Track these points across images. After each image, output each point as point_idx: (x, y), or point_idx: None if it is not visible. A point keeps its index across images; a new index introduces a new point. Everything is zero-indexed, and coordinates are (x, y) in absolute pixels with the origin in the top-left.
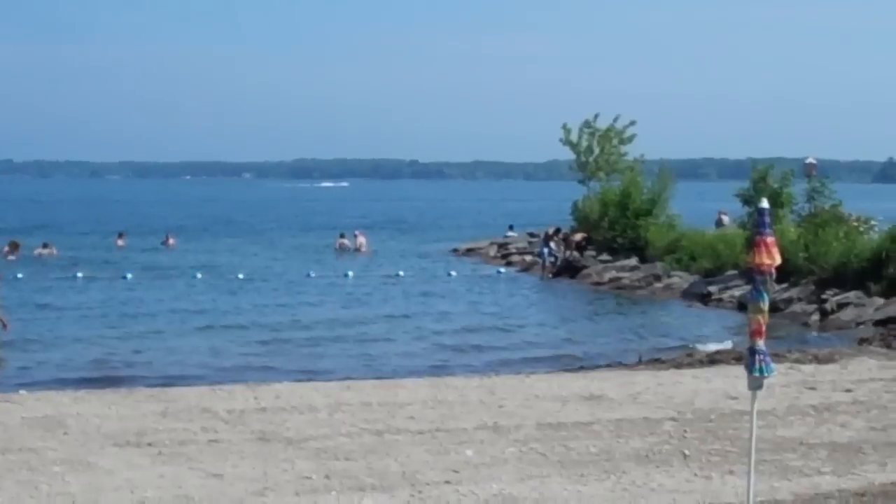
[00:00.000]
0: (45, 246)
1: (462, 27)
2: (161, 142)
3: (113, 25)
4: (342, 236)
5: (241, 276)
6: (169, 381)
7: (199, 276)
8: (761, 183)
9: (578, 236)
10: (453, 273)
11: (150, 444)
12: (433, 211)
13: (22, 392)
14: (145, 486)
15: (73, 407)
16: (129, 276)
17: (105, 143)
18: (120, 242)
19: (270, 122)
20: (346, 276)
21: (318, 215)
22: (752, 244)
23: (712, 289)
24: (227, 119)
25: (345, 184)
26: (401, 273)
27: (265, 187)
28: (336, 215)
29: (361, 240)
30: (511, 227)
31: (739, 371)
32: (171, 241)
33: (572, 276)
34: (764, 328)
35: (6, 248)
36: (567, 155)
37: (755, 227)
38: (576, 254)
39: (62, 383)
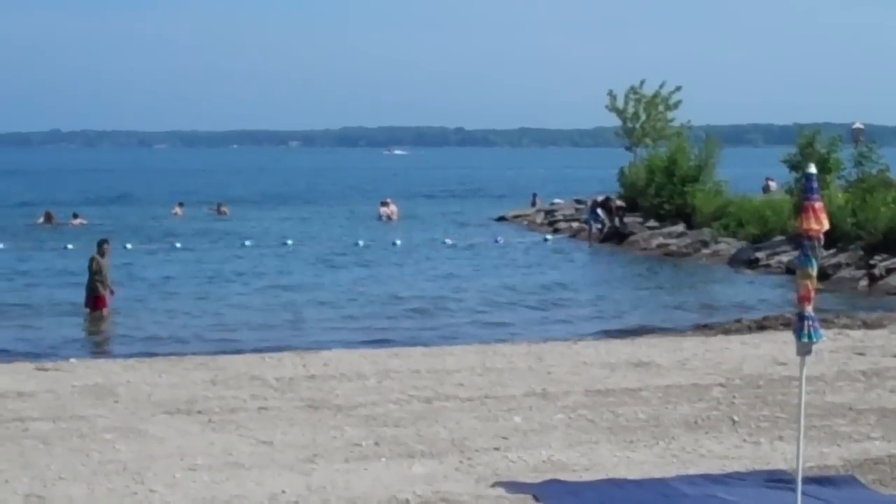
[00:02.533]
0: (75, 216)
1: None
2: (208, 111)
3: None
4: (384, 204)
5: (289, 242)
6: (218, 349)
7: (247, 243)
8: (808, 148)
9: (616, 202)
10: (500, 240)
11: (200, 412)
12: (480, 178)
13: (72, 360)
14: (196, 454)
15: (123, 375)
16: (179, 245)
17: (152, 113)
18: (178, 212)
19: (317, 91)
20: (394, 244)
21: (370, 183)
22: (799, 210)
23: (760, 255)
24: (274, 88)
25: (401, 151)
26: (448, 241)
27: (314, 155)
28: (387, 183)
29: (393, 208)
30: (535, 196)
31: (787, 337)
32: (223, 209)
33: (619, 243)
34: (812, 294)
35: (41, 219)
36: (613, 122)
37: (803, 192)
38: (617, 220)
39: (112, 352)
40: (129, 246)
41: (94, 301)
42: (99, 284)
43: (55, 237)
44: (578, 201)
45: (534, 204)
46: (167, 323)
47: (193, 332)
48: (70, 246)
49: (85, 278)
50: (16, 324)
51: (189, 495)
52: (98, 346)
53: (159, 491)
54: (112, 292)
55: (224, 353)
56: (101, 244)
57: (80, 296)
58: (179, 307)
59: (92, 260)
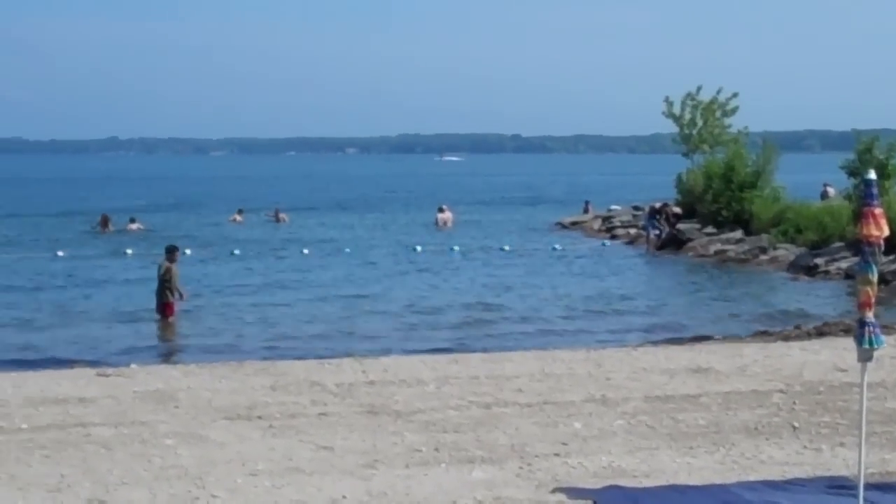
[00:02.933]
0: (132, 221)
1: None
2: (265, 118)
3: (218, 4)
4: (440, 210)
5: (347, 250)
6: (277, 355)
7: (305, 251)
8: (867, 154)
9: (673, 209)
10: (558, 246)
11: (260, 417)
12: (536, 185)
13: (133, 366)
14: (256, 459)
15: (183, 381)
16: (237, 252)
17: (209, 120)
18: (238, 218)
19: (373, 98)
20: (452, 250)
21: (427, 190)
22: (859, 216)
23: (819, 261)
24: (331, 95)
25: (455, 158)
26: (506, 247)
27: (370, 162)
28: (444, 190)
29: (448, 214)
30: (587, 203)
31: (848, 343)
32: (281, 216)
33: (677, 250)
34: (873, 300)
35: (98, 225)
36: (670, 128)
37: (862, 198)
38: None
39: (172, 358)
40: (188, 252)
41: (164, 307)
42: (168, 291)
43: (113, 243)
44: (636, 208)
45: (586, 211)
46: (227, 329)
47: (253, 338)
48: (129, 251)
49: (153, 284)
50: (77, 330)
51: (250, 500)
52: (159, 352)
53: (221, 496)
54: (182, 297)
55: (284, 358)
56: (170, 250)
57: (140, 301)
58: (238, 313)
59: (161, 266)
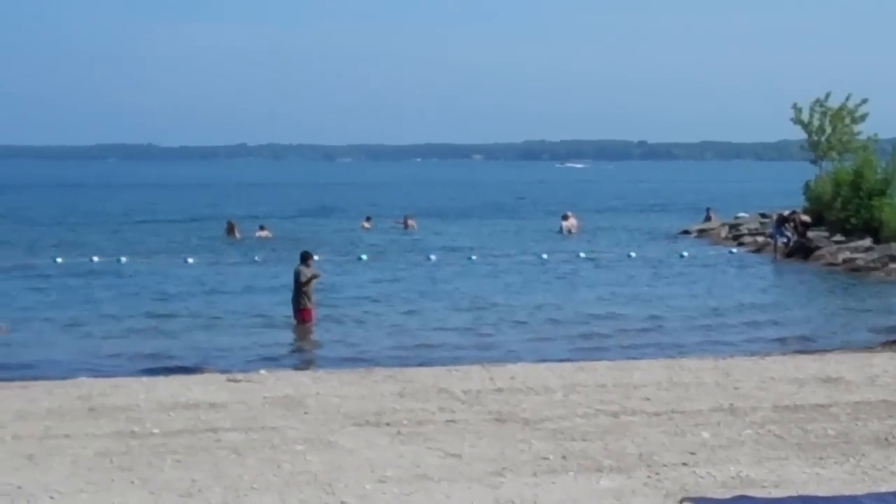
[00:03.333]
0: (261, 228)
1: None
2: (392, 125)
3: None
4: (565, 217)
5: (473, 257)
6: (405, 362)
7: (433, 258)
8: None
9: (801, 217)
10: (685, 254)
11: (388, 424)
12: (662, 192)
13: (262, 372)
14: (385, 466)
15: (312, 387)
16: (364, 257)
17: (337, 127)
18: (366, 225)
19: (499, 104)
20: (579, 256)
21: (551, 196)
22: None
23: None
24: (457, 101)
25: (576, 165)
26: (632, 254)
27: (496, 169)
28: (568, 197)
29: (573, 221)
30: (708, 210)
31: None
32: (410, 222)
33: (805, 258)
34: None
35: (224, 231)
36: (798, 134)
37: None
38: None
39: (302, 363)
40: (316, 258)
41: (301, 313)
42: (304, 297)
43: (242, 249)
44: (763, 215)
45: (708, 219)
46: (354, 335)
47: (380, 344)
48: (257, 258)
49: (283, 290)
50: (207, 336)
51: None
52: (288, 358)
53: (350, 502)
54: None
55: (411, 365)
56: (305, 256)
57: (270, 307)
58: (366, 320)
59: (298, 272)
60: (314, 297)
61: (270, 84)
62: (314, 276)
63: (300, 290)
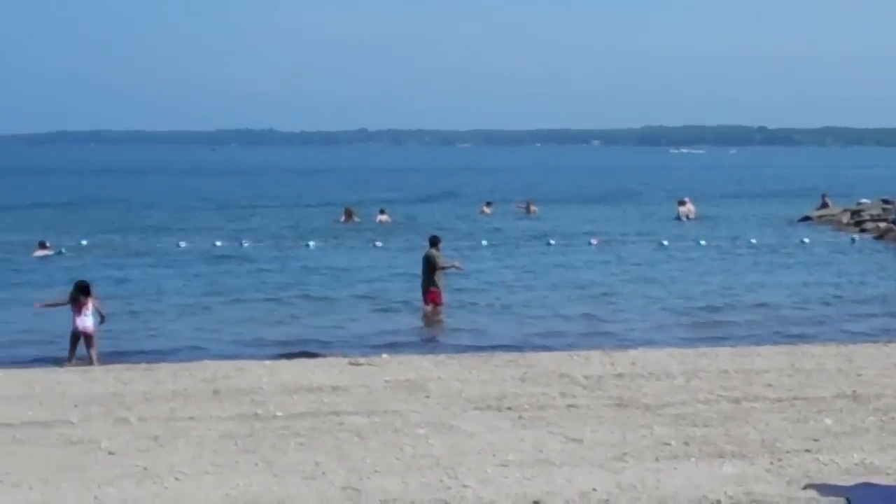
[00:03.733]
0: (381, 213)
1: None
2: (511, 110)
3: None
4: (682, 203)
5: (593, 241)
6: (526, 346)
7: (552, 242)
8: None
9: None
10: (806, 240)
11: (510, 409)
12: (782, 178)
13: (384, 356)
14: (507, 450)
15: (434, 371)
16: (485, 242)
17: (456, 112)
18: (486, 210)
19: (618, 90)
20: (699, 243)
21: (669, 182)
22: None
23: None
24: (575, 87)
25: (691, 150)
26: (753, 241)
27: (614, 154)
28: (685, 182)
29: (690, 207)
30: (824, 196)
31: None
32: (532, 207)
33: None
34: None
35: (342, 217)
36: None
37: None
38: None
39: (423, 347)
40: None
41: (430, 295)
42: (435, 280)
43: (361, 234)
44: (885, 201)
45: (824, 205)
46: (476, 319)
47: (501, 328)
48: (378, 243)
49: (404, 274)
50: (329, 319)
51: (501, 491)
52: (410, 342)
53: (472, 486)
54: (459, 268)
55: (532, 350)
56: (435, 241)
57: (391, 291)
58: (487, 304)
59: (427, 256)
60: (443, 282)
61: (391, 70)
62: (453, 266)
63: (432, 273)
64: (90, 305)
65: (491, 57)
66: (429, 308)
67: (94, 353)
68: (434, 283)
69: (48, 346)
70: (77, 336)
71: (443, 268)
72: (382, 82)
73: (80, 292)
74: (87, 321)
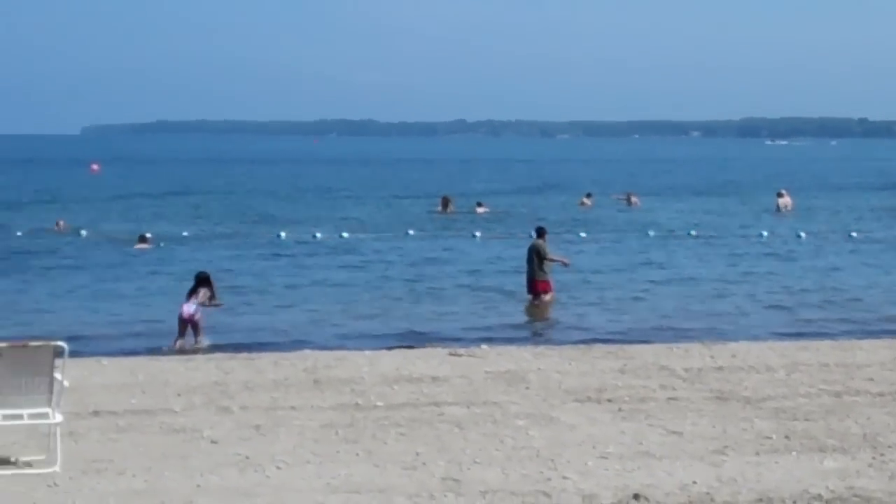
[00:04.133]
0: (479, 205)
1: None
2: (609, 101)
3: None
4: (780, 195)
5: (693, 233)
6: (625, 338)
7: (651, 234)
8: None
9: None
10: None
11: (609, 401)
12: (886, 171)
13: (484, 346)
14: (607, 442)
15: (533, 362)
16: (584, 234)
17: (555, 102)
18: (587, 202)
19: (719, 80)
20: (799, 236)
21: (765, 174)
22: None
23: None
24: (675, 77)
25: (798, 142)
26: (853, 234)
27: (713, 146)
28: (782, 174)
29: (788, 199)
30: None
31: None
32: (633, 199)
33: None
34: None
35: (438, 207)
36: None
37: None
38: None
39: (522, 338)
40: (534, 235)
41: (538, 285)
42: (541, 270)
43: (460, 224)
44: None
45: None
46: (575, 311)
47: (599, 319)
48: (477, 234)
49: (502, 264)
50: (428, 309)
51: (601, 483)
52: (509, 333)
53: (572, 478)
54: (565, 263)
55: (632, 342)
56: (541, 231)
57: (488, 280)
58: (585, 294)
59: (534, 247)
60: (551, 272)
61: (490, 60)
62: (561, 261)
63: (539, 264)
64: (200, 295)
65: (590, 47)
66: (545, 297)
67: (187, 340)
68: (542, 274)
69: (151, 335)
70: (183, 322)
71: (551, 259)
72: (481, 73)
73: (198, 282)
74: (190, 307)
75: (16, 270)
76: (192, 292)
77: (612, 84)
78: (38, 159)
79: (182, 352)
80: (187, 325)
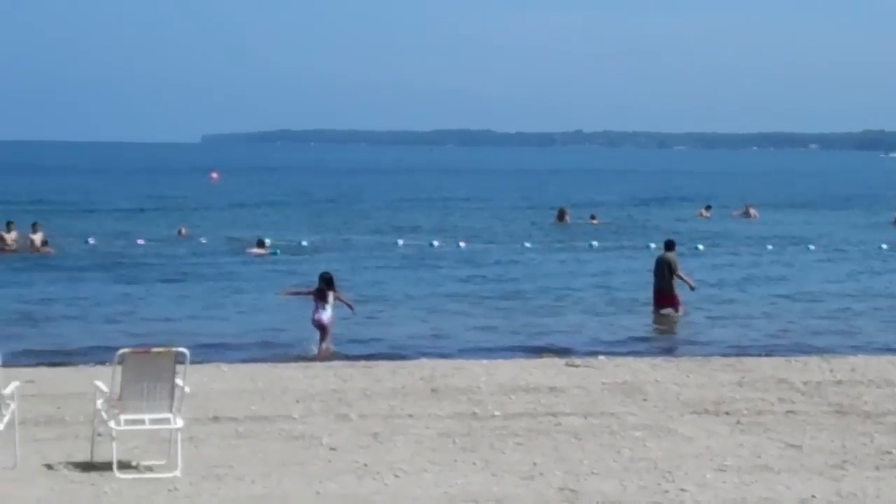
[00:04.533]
0: (592, 217)
1: None
2: (727, 113)
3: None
4: None
5: (811, 247)
6: (743, 351)
7: (769, 247)
8: None
9: None
10: None
11: (727, 413)
12: None
13: (601, 357)
14: (724, 455)
15: (651, 374)
16: (701, 247)
17: (672, 114)
18: (705, 213)
19: (836, 93)
20: None
21: (888, 188)
22: None
23: None
24: (793, 90)
25: None
26: None
27: (831, 159)
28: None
29: None
30: None
31: None
32: (752, 211)
33: None
34: None
35: (555, 218)
36: None
37: None
38: None
39: (640, 350)
40: (652, 246)
41: (668, 299)
42: (670, 285)
43: (575, 235)
44: None
45: None
46: (690, 322)
47: (717, 331)
48: (595, 243)
49: (626, 276)
50: (545, 319)
51: (719, 496)
52: (626, 344)
53: (690, 490)
54: (692, 288)
55: (749, 355)
56: (670, 244)
57: (608, 292)
58: (701, 306)
59: (665, 260)
60: (692, 281)
61: (607, 71)
62: (687, 282)
63: (669, 277)
64: (331, 298)
65: (707, 59)
66: (671, 311)
67: (325, 345)
68: (670, 288)
69: (270, 342)
70: (322, 327)
71: (679, 276)
72: (599, 84)
73: (325, 284)
74: (324, 314)
75: (138, 278)
76: (320, 295)
77: (730, 96)
78: (159, 168)
79: (325, 357)
80: (324, 330)
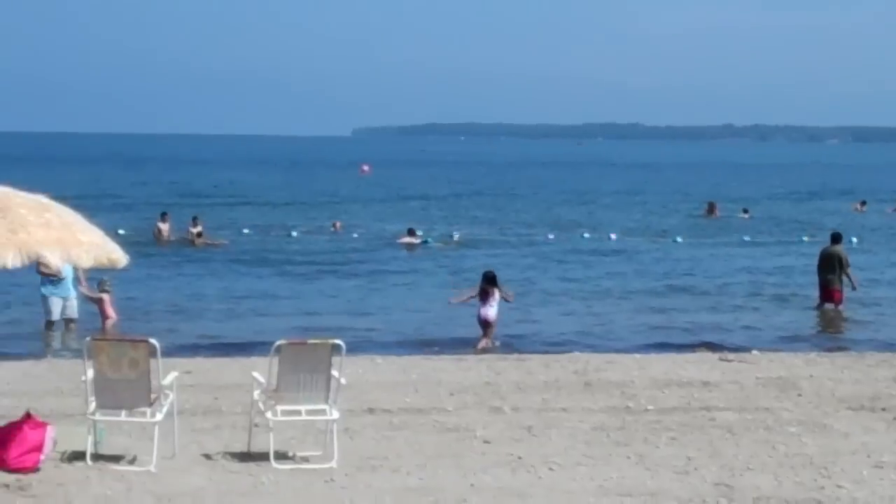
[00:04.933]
0: (744, 211)
1: None
2: (881, 105)
3: None
4: None
5: None
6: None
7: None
8: None
9: None
10: None
11: (884, 410)
12: None
13: (755, 352)
14: (881, 451)
15: (805, 369)
16: (854, 240)
17: (823, 108)
18: (860, 208)
19: None
20: None
21: None
22: None
23: None
24: None
25: None
26: None
27: None
28: None
29: None
30: None
31: None
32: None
33: None
34: None
35: (704, 211)
36: None
37: None
38: None
39: (794, 345)
40: (805, 239)
41: (832, 294)
42: (839, 279)
43: (726, 229)
44: None
45: None
46: (844, 316)
47: (870, 326)
48: (747, 237)
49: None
50: (698, 313)
51: (876, 493)
52: (781, 339)
53: (846, 487)
54: (854, 287)
55: None
56: (837, 237)
57: (763, 287)
58: (856, 301)
59: (833, 254)
60: (856, 281)
61: (758, 64)
62: (853, 281)
63: (837, 271)
64: (496, 295)
65: (860, 52)
66: (838, 307)
67: (487, 340)
68: (839, 283)
69: (423, 335)
70: (487, 324)
71: (847, 273)
72: (750, 77)
73: (487, 282)
74: (489, 310)
75: (295, 271)
76: (485, 293)
77: (884, 89)
78: (312, 161)
79: (485, 351)
80: (489, 326)
